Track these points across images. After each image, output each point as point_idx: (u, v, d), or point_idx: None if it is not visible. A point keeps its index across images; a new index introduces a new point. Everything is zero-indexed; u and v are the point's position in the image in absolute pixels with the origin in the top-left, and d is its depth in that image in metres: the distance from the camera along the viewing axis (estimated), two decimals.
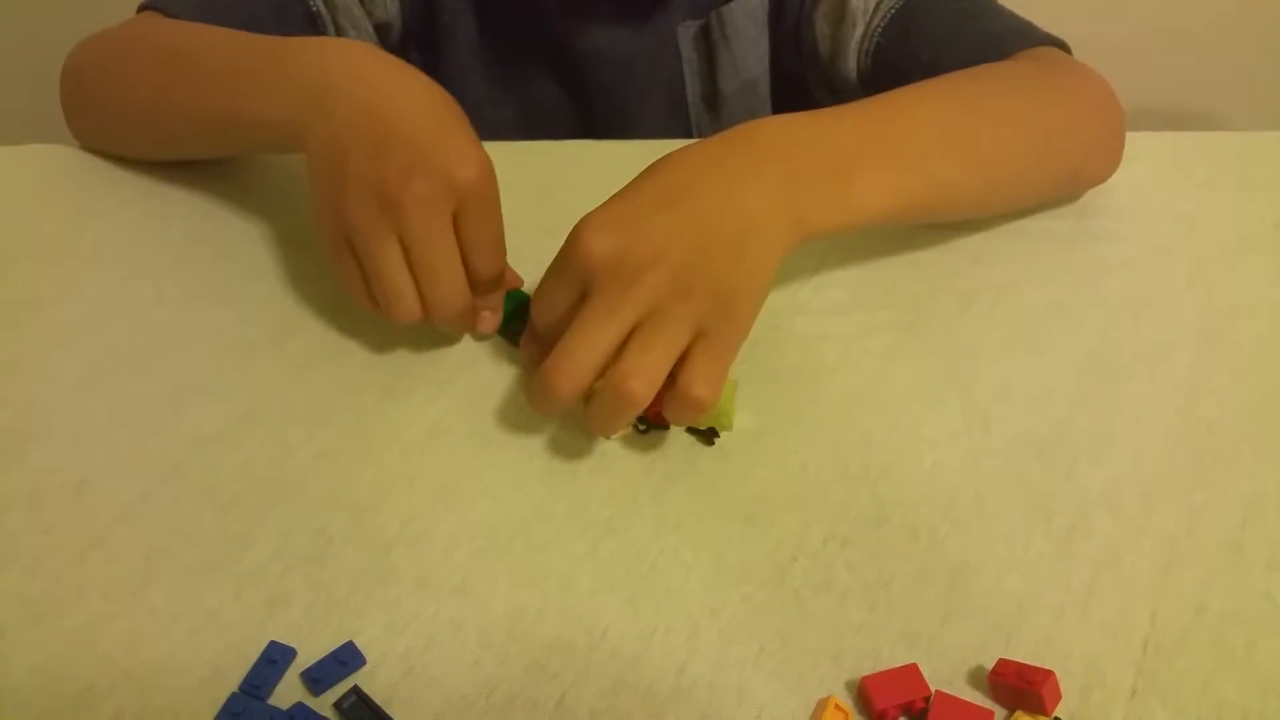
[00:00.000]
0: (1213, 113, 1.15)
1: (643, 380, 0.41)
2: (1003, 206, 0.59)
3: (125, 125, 0.62)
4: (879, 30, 0.68)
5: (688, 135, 0.80)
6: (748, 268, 0.43)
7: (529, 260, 0.54)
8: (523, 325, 0.49)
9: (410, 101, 0.47)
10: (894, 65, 0.66)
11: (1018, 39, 0.62)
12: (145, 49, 0.60)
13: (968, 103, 0.54)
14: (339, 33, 0.71)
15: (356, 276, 0.47)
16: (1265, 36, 1.13)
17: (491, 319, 0.49)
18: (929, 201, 0.51)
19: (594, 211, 0.44)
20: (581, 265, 0.43)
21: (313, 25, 0.70)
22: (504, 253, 0.48)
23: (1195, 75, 1.00)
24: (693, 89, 0.79)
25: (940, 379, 0.49)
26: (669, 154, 0.45)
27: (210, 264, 0.55)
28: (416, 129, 0.46)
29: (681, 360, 0.42)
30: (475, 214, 0.46)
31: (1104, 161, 0.61)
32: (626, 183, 0.45)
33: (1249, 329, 0.52)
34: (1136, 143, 0.65)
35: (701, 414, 0.43)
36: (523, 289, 0.52)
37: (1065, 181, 0.61)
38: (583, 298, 0.43)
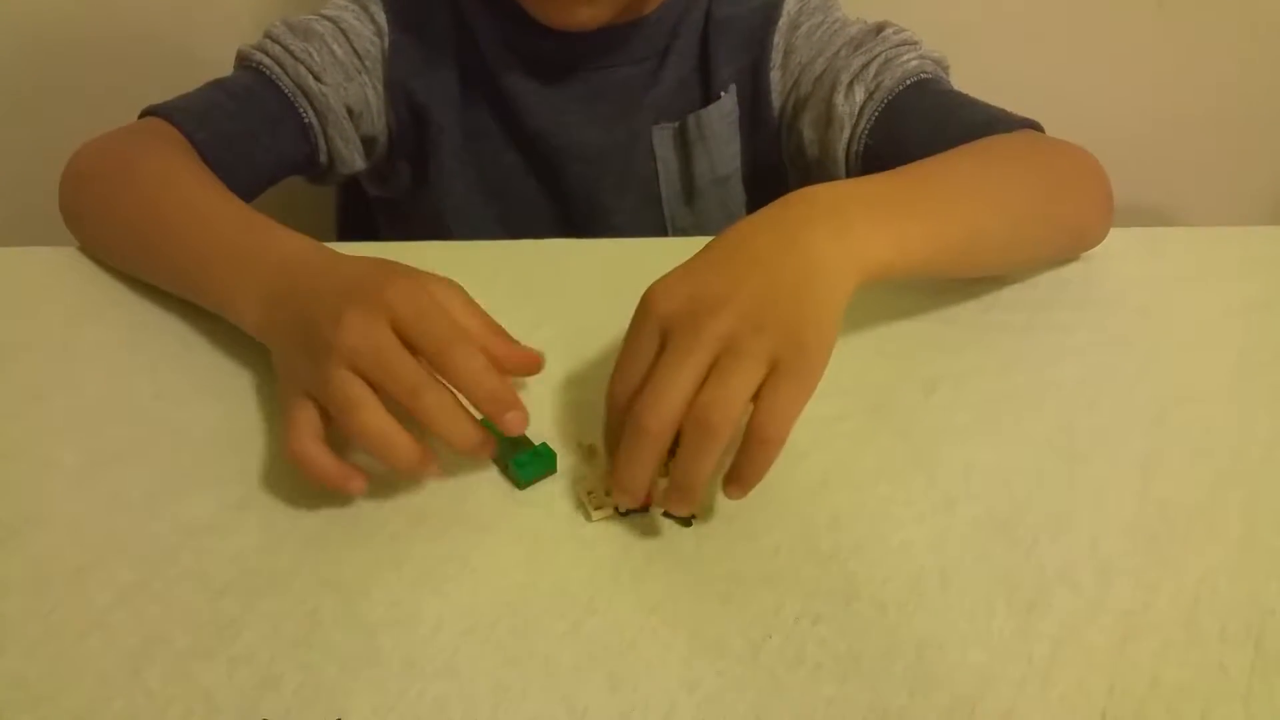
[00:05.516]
0: (1164, 208, 1.20)
1: (720, 411, 0.42)
2: (1023, 255, 0.63)
3: (114, 257, 0.65)
4: (866, 133, 0.71)
5: (662, 228, 0.84)
6: (814, 303, 0.45)
7: None
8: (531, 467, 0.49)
9: (360, 261, 0.51)
10: (884, 161, 0.70)
11: (998, 125, 0.65)
12: (131, 197, 0.63)
13: (985, 166, 0.60)
14: (329, 143, 0.75)
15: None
16: (1217, 133, 1.19)
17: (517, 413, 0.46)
18: (967, 247, 0.56)
19: (661, 277, 0.47)
20: (654, 321, 0.45)
21: (305, 136, 0.74)
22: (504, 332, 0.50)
23: (1149, 171, 1.05)
24: (668, 185, 0.82)
25: (906, 461, 0.51)
26: (732, 225, 0.49)
27: (204, 360, 0.57)
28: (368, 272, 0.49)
29: (759, 400, 0.43)
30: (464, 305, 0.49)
31: (1100, 220, 0.66)
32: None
33: (1199, 413, 0.55)
34: None
35: (771, 452, 0.43)
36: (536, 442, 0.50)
37: (1074, 235, 0.66)
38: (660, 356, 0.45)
